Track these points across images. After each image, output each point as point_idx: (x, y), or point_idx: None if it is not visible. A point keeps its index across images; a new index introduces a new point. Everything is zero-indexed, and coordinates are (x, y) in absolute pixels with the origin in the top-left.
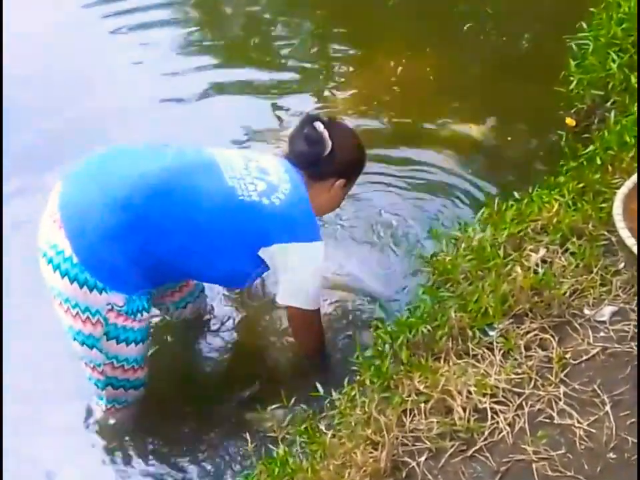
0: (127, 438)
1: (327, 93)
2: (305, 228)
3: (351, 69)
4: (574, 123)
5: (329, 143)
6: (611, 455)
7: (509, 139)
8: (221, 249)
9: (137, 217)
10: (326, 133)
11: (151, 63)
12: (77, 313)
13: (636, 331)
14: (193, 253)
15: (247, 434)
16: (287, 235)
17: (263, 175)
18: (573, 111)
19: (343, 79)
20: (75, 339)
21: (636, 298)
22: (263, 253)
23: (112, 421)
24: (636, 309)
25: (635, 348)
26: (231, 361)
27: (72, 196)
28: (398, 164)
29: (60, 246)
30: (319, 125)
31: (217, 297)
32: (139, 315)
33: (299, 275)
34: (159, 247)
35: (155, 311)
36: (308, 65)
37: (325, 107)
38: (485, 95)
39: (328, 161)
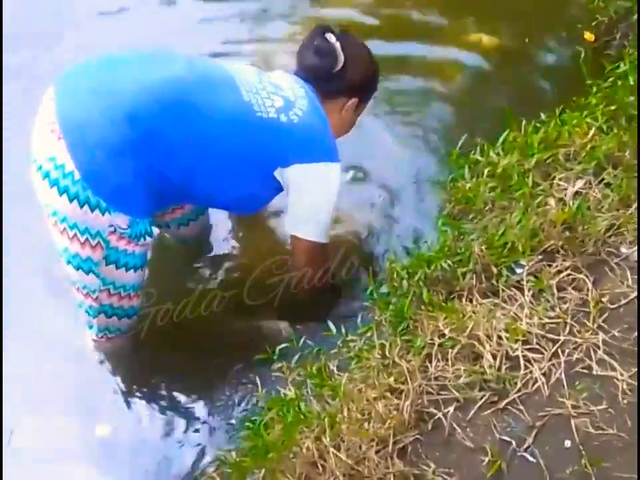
0: (118, 370)
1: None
2: (324, 147)
3: None
4: (593, 38)
5: (342, 57)
6: None
7: (526, 40)
8: (234, 169)
9: (148, 132)
10: (338, 45)
11: None
12: (75, 235)
13: None
14: (204, 172)
15: (256, 376)
16: (307, 155)
17: (278, 90)
18: (593, 25)
19: None
20: (69, 263)
21: None
22: (279, 173)
23: (102, 351)
24: None
25: None
26: (233, 293)
27: (73, 104)
28: (402, 76)
29: (59, 159)
30: (331, 37)
31: (220, 217)
32: (141, 239)
33: (312, 199)
34: (170, 165)
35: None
36: None
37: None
38: (497, 4)
39: (340, 77)
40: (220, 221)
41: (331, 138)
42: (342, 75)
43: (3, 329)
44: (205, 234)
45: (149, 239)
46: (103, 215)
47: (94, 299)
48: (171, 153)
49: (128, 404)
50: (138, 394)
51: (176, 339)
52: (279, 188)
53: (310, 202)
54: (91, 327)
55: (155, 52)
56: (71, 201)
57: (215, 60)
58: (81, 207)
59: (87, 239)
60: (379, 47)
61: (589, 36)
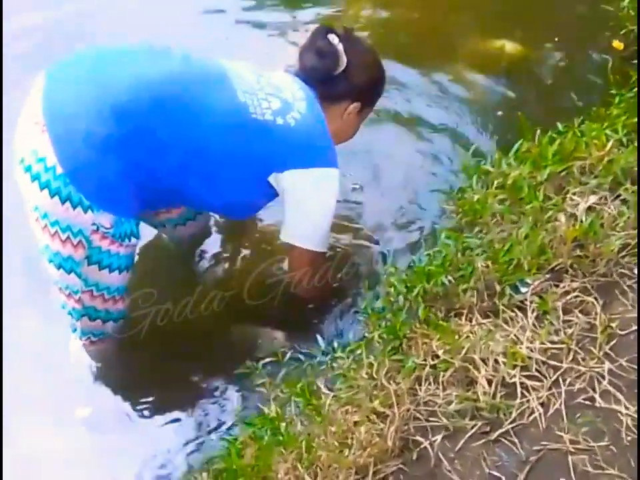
0: (101, 376)
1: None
2: (322, 152)
3: None
4: (622, 46)
5: (344, 58)
6: None
7: (552, 46)
8: (227, 173)
9: (136, 128)
10: (341, 47)
11: None
12: (56, 232)
13: None
14: (195, 174)
15: (236, 391)
16: (303, 160)
17: (276, 91)
18: (622, 33)
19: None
20: (51, 261)
21: None
22: (274, 179)
23: (85, 355)
24: None
25: None
26: (231, 294)
27: (60, 96)
28: (423, 86)
29: (41, 152)
30: (333, 38)
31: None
32: (126, 239)
33: (310, 206)
34: (158, 164)
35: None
36: None
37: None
38: (522, 12)
39: (342, 79)
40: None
41: (330, 142)
42: (344, 78)
43: (3, 330)
44: (204, 233)
45: (134, 240)
46: (86, 212)
47: (76, 300)
48: (160, 151)
49: (105, 411)
50: (115, 402)
51: (162, 346)
52: (273, 194)
53: (306, 209)
54: (74, 330)
55: (150, 46)
56: (52, 196)
57: (213, 57)
58: (63, 203)
59: (68, 237)
60: (401, 49)
61: (617, 44)
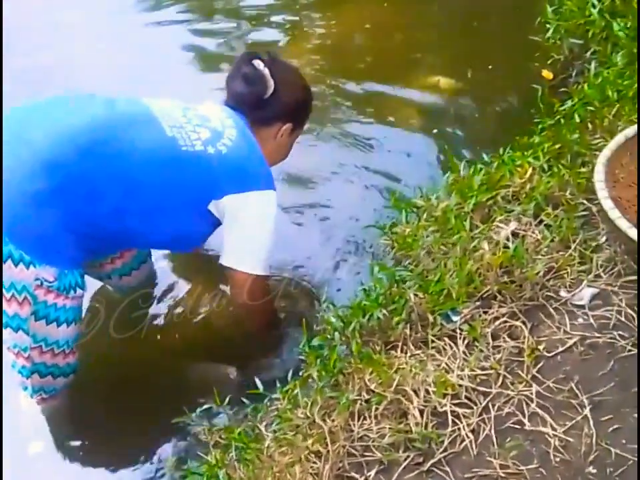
0: (51, 432)
1: (285, 43)
2: (257, 175)
3: (313, 20)
4: (551, 76)
5: (271, 82)
6: (591, 469)
7: (487, 71)
8: (164, 208)
9: (68, 179)
10: (267, 72)
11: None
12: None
13: (619, 317)
14: (133, 214)
15: (175, 440)
16: (239, 184)
17: (204, 121)
18: (549, 63)
19: (303, 30)
20: None
21: (619, 280)
22: (214, 206)
23: (36, 412)
24: (620, 292)
25: (619, 338)
26: (164, 347)
27: None
28: (360, 120)
29: None
30: (259, 63)
31: (165, 261)
32: (71, 291)
33: (249, 229)
34: (95, 210)
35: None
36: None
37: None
38: (454, 47)
39: (272, 103)
40: (165, 266)
41: (264, 166)
42: (274, 101)
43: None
44: (150, 281)
45: (80, 291)
46: (28, 268)
47: (26, 358)
48: (94, 197)
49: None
50: (60, 462)
51: (109, 396)
52: (216, 222)
53: (245, 233)
54: (25, 389)
55: (72, 96)
56: None
57: (137, 97)
58: (4, 261)
59: (13, 295)
60: (338, 88)
61: (546, 74)
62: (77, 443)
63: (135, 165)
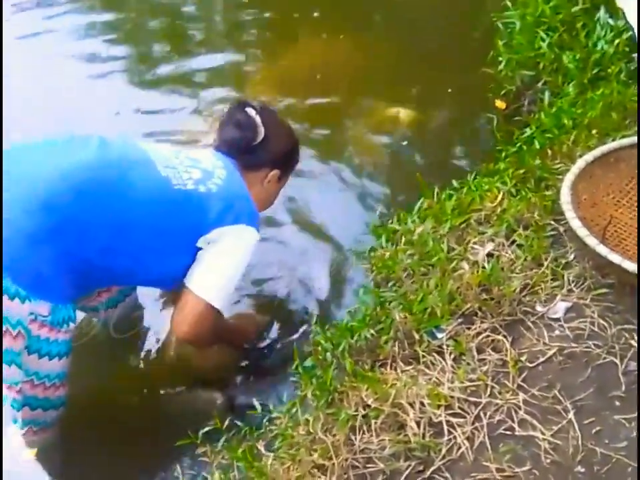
0: (43, 465)
1: (243, 79)
2: (244, 211)
3: (270, 53)
4: (504, 106)
5: (262, 129)
6: (579, 468)
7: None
8: (157, 245)
9: (64, 218)
10: (258, 119)
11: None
12: None
13: (592, 328)
14: (127, 253)
15: (178, 463)
16: (226, 218)
17: (196, 163)
18: (502, 93)
19: (261, 64)
20: None
21: (590, 294)
22: (203, 242)
23: (27, 445)
24: (591, 304)
25: (594, 347)
26: (158, 374)
27: None
28: (323, 153)
29: None
30: (251, 111)
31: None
32: (64, 325)
33: (223, 258)
34: (89, 249)
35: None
36: (223, 50)
37: (242, 92)
38: (412, 79)
39: (261, 149)
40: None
41: (251, 204)
42: (263, 147)
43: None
44: (134, 312)
45: (72, 325)
46: (23, 303)
47: (17, 391)
48: (91, 236)
49: None
50: None
51: (98, 426)
52: None
53: (218, 260)
54: (15, 422)
55: (68, 136)
56: None
57: (131, 140)
58: None
59: (7, 329)
60: (298, 123)
61: (500, 104)
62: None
63: (128, 203)
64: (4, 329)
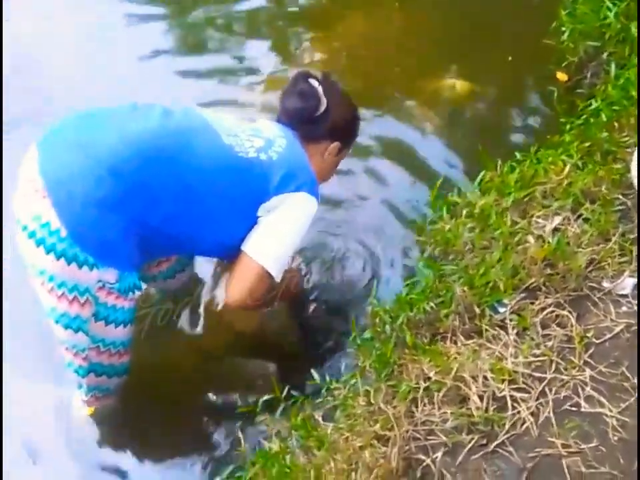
0: (107, 431)
1: (294, 54)
2: (305, 180)
3: (321, 26)
4: (565, 78)
5: (324, 100)
6: None
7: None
8: (220, 214)
9: (132, 185)
10: (321, 89)
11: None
12: (63, 293)
13: None
14: (191, 220)
15: (239, 430)
16: (286, 186)
17: (257, 132)
18: (563, 65)
19: (313, 39)
20: (57, 322)
21: None
22: (262, 210)
23: (91, 411)
24: None
25: None
26: (217, 345)
27: (55, 162)
28: (380, 127)
29: (44, 217)
30: (314, 81)
31: (205, 266)
32: (130, 293)
33: (281, 225)
34: (155, 216)
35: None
36: (270, 30)
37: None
38: (468, 50)
39: (322, 120)
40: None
41: (312, 173)
42: (324, 118)
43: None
44: (191, 282)
45: (137, 293)
46: (92, 270)
47: (83, 358)
48: (158, 202)
49: (115, 464)
50: (124, 452)
51: (159, 394)
52: None
53: (277, 227)
54: (80, 387)
55: (132, 104)
56: (58, 258)
57: (193, 109)
58: (69, 264)
59: (75, 297)
60: (357, 93)
61: (561, 76)
62: (139, 433)
63: (196, 172)
64: (72, 296)
